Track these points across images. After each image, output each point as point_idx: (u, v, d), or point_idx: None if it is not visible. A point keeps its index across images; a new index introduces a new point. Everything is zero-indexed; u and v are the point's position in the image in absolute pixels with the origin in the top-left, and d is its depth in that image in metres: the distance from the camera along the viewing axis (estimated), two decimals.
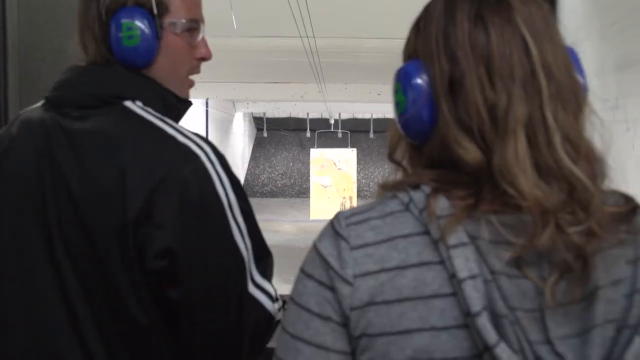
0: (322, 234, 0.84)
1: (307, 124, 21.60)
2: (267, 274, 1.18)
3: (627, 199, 0.82)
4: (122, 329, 1.12)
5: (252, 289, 1.15)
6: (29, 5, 2.09)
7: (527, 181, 0.75)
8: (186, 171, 1.11)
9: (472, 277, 0.73)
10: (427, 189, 0.80)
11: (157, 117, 1.18)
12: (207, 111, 15.47)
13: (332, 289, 0.79)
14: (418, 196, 0.80)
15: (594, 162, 0.78)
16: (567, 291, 0.75)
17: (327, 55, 8.70)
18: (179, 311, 1.12)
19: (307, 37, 7.23)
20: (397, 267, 0.77)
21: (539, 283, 0.75)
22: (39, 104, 1.26)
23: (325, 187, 16.78)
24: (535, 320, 0.75)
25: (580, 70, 0.85)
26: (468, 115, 0.79)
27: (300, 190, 21.98)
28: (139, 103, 1.19)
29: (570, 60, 0.83)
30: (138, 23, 1.20)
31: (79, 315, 1.12)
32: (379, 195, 0.85)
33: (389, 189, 0.84)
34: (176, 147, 1.13)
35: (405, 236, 0.78)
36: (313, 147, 19.26)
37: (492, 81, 0.78)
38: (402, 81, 0.85)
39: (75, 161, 1.14)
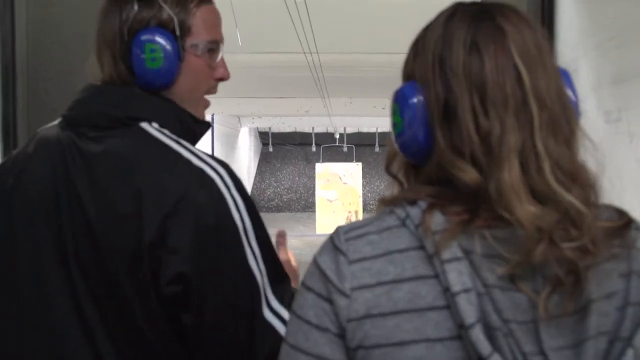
0: (322, 249, 0.86)
1: (312, 139, 21.64)
2: (284, 299, 1.17)
3: (621, 214, 0.83)
4: (134, 344, 1.13)
5: (267, 314, 1.14)
6: (37, 27, 2.12)
7: (521, 205, 0.76)
8: (201, 196, 1.10)
9: (466, 290, 0.75)
10: (423, 204, 0.82)
11: (173, 140, 1.17)
12: (212, 127, 15.52)
13: (330, 301, 0.81)
14: (415, 212, 0.81)
15: (587, 187, 0.79)
16: (560, 304, 0.76)
17: (331, 70, 8.74)
18: (192, 335, 1.12)
19: (311, 52, 7.27)
20: (393, 280, 0.79)
21: (532, 296, 0.76)
22: (56, 122, 1.26)
23: (330, 201, 16.77)
24: (529, 332, 0.76)
25: (574, 92, 0.87)
26: (461, 142, 0.80)
27: (306, 204, 21.98)
28: (155, 125, 1.19)
29: (562, 84, 0.84)
30: (161, 45, 1.19)
31: (91, 323, 1.13)
32: (378, 209, 0.87)
33: (387, 204, 0.86)
34: (191, 171, 1.13)
35: (401, 251, 0.80)
36: (318, 161, 19.27)
37: (486, 109, 0.79)
38: (399, 103, 0.86)
39: (89, 182, 1.14)
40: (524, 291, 0.77)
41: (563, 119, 0.81)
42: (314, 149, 21.46)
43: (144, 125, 1.18)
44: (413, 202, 0.83)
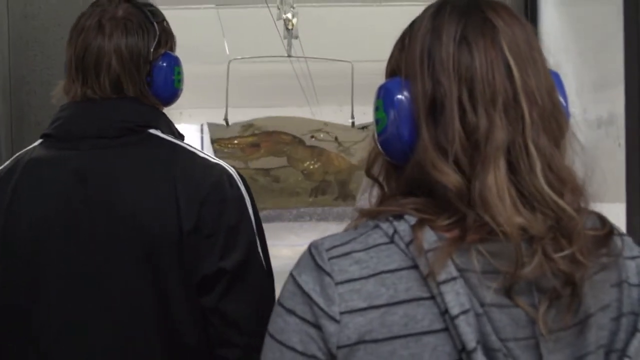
0: (302, 267, 0.80)
1: None
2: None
3: (603, 221, 0.81)
4: (167, 337, 1.20)
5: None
6: (19, 40, 2.11)
7: (504, 209, 0.73)
8: (227, 186, 1.24)
9: (464, 312, 0.72)
10: (411, 219, 0.77)
11: (182, 142, 1.29)
12: (202, 137, 15.49)
13: (317, 326, 0.76)
14: (403, 228, 0.77)
15: (577, 192, 0.77)
16: (558, 318, 0.74)
17: (320, 78, 8.77)
18: (215, 315, 1.22)
19: (299, 60, 7.30)
20: (386, 303, 0.74)
21: (530, 312, 0.74)
22: (36, 143, 1.28)
23: None
24: (528, 349, 0.74)
25: (564, 95, 0.84)
26: (446, 138, 0.76)
27: (298, 214, 21.97)
28: (159, 131, 1.28)
29: (553, 84, 0.81)
30: (181, 68, 1.34)
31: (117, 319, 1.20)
32: (356, 221, 0.82)
33: (369, 216, 0.81)
34: (213, 167, 1.26)
35: (392, 271, 0.75)
36: None
37: (474, 105, 0.76)
38: (384, 98, 0.83)
39: (120, 185, 1.21)
40: (522, 306, 0.73)
41: (553, 119, 0.78)
42: None
43: (152, 131, 1.27)
44: (398, 216, 0.78)
